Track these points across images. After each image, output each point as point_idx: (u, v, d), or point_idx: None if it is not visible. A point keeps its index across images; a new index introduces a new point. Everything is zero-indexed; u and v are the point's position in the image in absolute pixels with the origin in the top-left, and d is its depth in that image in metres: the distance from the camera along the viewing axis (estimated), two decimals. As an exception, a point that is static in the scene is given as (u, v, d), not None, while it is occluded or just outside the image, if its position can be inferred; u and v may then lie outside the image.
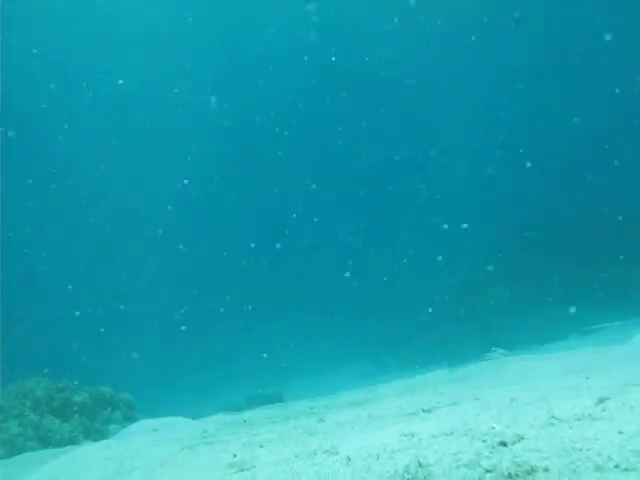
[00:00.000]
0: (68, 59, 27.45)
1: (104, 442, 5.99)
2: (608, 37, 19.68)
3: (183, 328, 23.54)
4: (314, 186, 27.67)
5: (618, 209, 16.14)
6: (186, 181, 28.98)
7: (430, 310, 17.50)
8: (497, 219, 19.64)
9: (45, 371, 9.17)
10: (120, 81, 26.92)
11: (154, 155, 29.91)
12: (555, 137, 21.66)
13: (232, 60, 29.19)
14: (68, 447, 7.21)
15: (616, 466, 2.12)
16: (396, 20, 26.09)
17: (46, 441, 7.70)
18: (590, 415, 2.98)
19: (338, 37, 27.35)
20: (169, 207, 29.65)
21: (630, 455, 2.21)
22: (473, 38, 24.96)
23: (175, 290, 28.50)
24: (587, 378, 4.37)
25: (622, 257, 14.93)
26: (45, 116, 27.37)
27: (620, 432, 2.54)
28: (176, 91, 29.08)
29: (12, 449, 7.47)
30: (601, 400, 3.26)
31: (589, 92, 21.39)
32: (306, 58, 28.13)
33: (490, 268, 17.07)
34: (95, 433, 8.29)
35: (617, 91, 20.13)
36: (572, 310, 14.13)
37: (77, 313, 23.07)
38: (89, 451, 5.28)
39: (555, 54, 23.63)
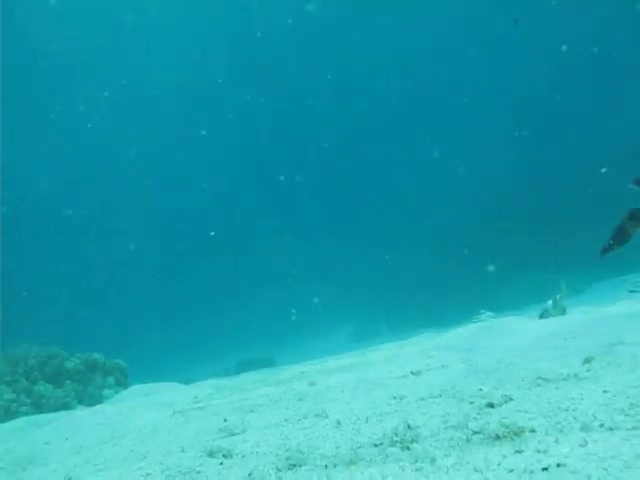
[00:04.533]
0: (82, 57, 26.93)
1: (97, 407, 6.02)
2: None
3: (165, 307, 23.86)
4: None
5: (586, 181, 16.33)
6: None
7: (419, 276, 17.67)
8: (480, 193, 19.76)
9: (35, 339, 9.16)
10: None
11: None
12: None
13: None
14: (62, 412, 7.27)
15: (601, 425, 2.14)
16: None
17: (40, 406, 7.75)
18: (576, 375, 3.02)
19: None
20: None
21: (615, 414, 2.24)
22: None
23: (169, 263, 28.59)
24: (573, 338, 4.43)
25: (603, 220, 15.09)
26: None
27: (605, 391, 2.57)
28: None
29: (6, 414, 7.52)
30: (587, 360, 3.31)
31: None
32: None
33: (476, 237, 17.25)
34: (88, 398, 8.35)
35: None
36: (556, 272, 14.31)
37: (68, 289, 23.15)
38: (82, 416, 5.31)
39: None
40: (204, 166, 30.35)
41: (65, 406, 7.96)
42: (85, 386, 8.62)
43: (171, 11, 27.07)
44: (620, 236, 3.72)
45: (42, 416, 7.08)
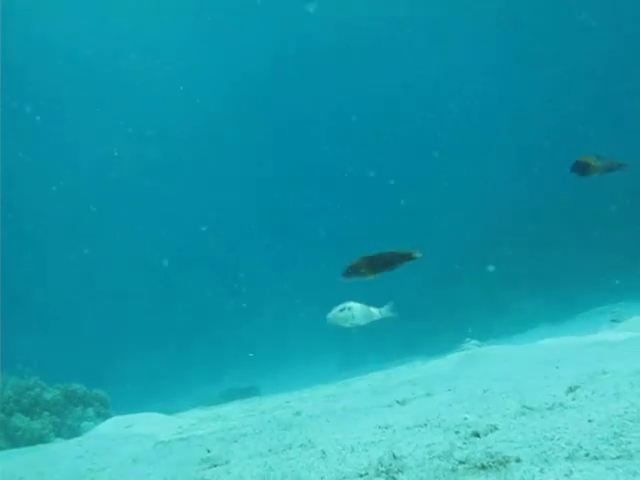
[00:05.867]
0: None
1: (76, 440, 5.87)
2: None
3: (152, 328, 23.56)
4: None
5: (579, 203, 16.53)
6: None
7: (405, 303, 17.66)
8: (466, 213, 19.98)
9: (17, 368, 8.95)
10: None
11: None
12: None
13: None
14: (38, 446, 7.05)
15: (586, 454, 2.14)
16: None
17: (15, 440, 7.52)
18: (561, 404, 3.03)
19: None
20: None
21: (600, 443, 2.24)
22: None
23: (151, 292, 28.34)
24: (557, 367, 4.44)
25: (587, 249, 15.33)
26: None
27: (590, 420, 2.58)
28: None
29: (-22, 449, 7.27)
30: (571, 389, 3.32)
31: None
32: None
33: (460, 264, 17.36)
34: (67, 430, 8.14)
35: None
36: (541, 300, 14.46)
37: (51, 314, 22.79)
38: (60, 449, 5.17)
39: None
40: (195, 200, 30.53)
41: (42, 439, 7.73)
42: (64, 418, 8.40)
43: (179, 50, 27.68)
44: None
45: (16, 450, 6.87)
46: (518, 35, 24.51)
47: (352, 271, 3.58)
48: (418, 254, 3.65)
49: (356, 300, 4.46)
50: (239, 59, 28.98)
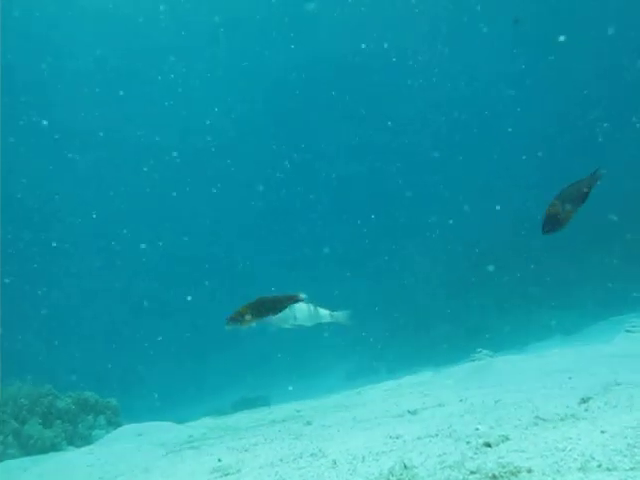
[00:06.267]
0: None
1: (87, 448, 5.90)
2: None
3: (160, 339, 23.71)
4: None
5: (598, 211, 16.39)
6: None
7: (416, 313, 17.59)
8: (479, 221, 19.85)
9: (28, 377, 9.02)
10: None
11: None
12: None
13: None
14: (50, 454, 7.10)
15: (599, 466, 2.13)
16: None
17: (27, 448, 7.56)
18: (573, 415, 3.00)
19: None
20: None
21: (612, 454, 2.22)
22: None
23: (163, 300, 28.45)
24: (570, 378, 4.41)
25: (603, 258, 15.17)
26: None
27: (603, 432, 2.56)
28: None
29: (-9, 457, 7.32)
30: (584, 400, 3.29)
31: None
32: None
33: (474, 271, 17.25)
34: (79, 439, 8.16)
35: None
36: (555, 310, 14.31)
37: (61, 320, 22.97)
38: (72, 457, 5.20)
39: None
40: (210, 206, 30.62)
41: (54, 447, 7.77)
42: (75, 426, 8.43)
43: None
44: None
45: (29, 458, 6.92)
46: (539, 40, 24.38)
47: (236, 318, 3.60)
48: (302, 295, 3.65)
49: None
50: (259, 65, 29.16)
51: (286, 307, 3.67)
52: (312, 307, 4.22)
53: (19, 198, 26.15)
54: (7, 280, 19.81)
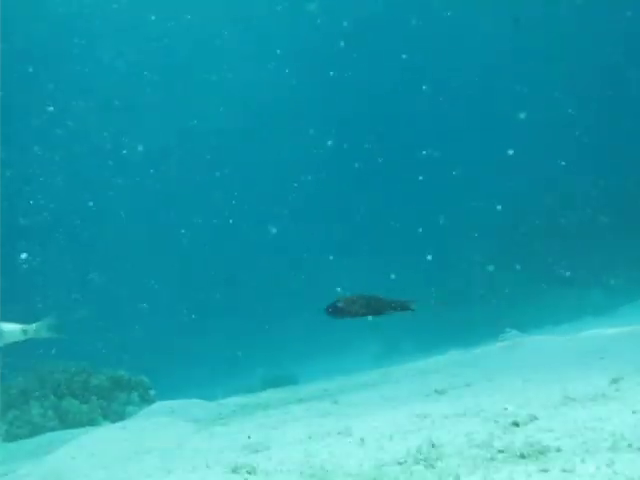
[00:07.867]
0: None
1: (122, 423, 6.09)
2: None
3: (194, 316, 23.96)
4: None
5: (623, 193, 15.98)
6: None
7: (442, 292, 17.46)
8: (506, 202, 19.50)
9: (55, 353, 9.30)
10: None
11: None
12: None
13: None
14: (87, 428, 7.37)
15: (629, 445, 2.11)
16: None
17: (66, 422, 7.88)
18: (604, 395, 2.97)
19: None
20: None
21: (644, 435, 2.20)
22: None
23: (189, 274, 28.76)
24: (601, 358, 4.35)
25: (633, 238, 14.82)
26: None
27: (634, 412, 2.53)
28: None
29: (34, 429, 7.67)
30: (615, 380, 3.25)
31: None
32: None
33: (499, 251, 17.06)
34: (113, 414, 8.45)
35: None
36: (587, 289, 14.04)
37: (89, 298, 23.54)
38: (107, 432, 5.38)
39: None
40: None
41: (91, 422, 8.08)
42: (110, 402, 8.73)
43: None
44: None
45: (68, 431, 7.20)
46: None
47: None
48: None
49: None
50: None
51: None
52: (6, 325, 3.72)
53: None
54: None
